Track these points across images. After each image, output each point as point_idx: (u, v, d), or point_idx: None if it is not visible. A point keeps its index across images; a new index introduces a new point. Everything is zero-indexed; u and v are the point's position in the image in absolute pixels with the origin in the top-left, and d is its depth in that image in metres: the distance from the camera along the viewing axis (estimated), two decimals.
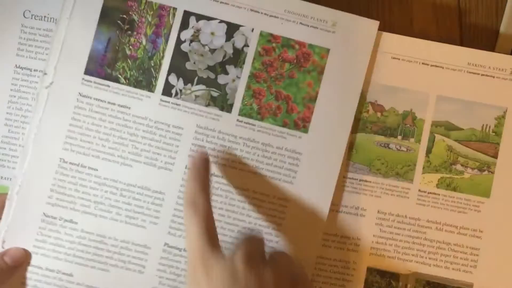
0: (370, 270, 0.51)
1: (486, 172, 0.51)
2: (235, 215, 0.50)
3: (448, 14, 0.54)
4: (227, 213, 0.50)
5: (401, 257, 0.51)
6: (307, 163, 0.50)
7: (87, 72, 0.50)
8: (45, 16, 0.52)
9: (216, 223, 0.45)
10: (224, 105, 0.50)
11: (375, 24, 0.50)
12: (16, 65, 0.52)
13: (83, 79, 0.50)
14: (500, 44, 0.53)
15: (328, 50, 0.50)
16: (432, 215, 0.51)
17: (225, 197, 0.50)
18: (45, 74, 0.50)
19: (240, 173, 0.50)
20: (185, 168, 0.50)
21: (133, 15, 0.51)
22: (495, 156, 0.51)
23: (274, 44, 0.51)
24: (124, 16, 0.51)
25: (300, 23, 0.50)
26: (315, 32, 0.50)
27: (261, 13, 0.50)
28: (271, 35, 0.51)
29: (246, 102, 0.51)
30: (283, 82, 0.51)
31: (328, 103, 0.50)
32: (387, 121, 0.52)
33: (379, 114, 0.52)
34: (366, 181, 0.51)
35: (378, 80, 0.51)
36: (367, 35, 0.50)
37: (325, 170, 0.50)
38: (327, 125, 0.50)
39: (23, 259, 0.49)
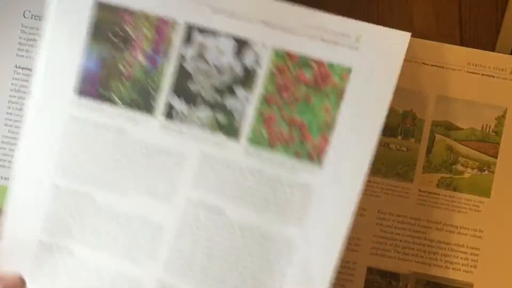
0: (370, 270, 0.51)
1: (486, 172, 0.51)
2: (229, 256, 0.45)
3: (448, 14, 0.54)
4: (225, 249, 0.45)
5: (401, 257, 0.51)
6: (320, 203, 0.44)
7: (78, 92, 0.45)
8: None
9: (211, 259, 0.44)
10: (231, 131, 0.44)
11: (405, 36, 0.43)
12: (16, 65, 0.52)
13: (73, 100, 0.45)
14: (500, 44, 0.53)
15: (349, 70, 0.43)
16: (432, 215, 0.51)
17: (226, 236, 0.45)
18: (32, 94, 0.45)
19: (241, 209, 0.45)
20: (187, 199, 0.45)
21: (128, 29, 0.45)
22: (495, 156, 0.51)
23: (288, 63, 0.44)
24: (117, 29, 0.45)
25: (319, 38, 0.43)
26: (336, 48, 0.43)
27: (274, 27, 0.44)
28: (285, 52, 0.44)
29: (255, 129, 0.44)
30: (297, 106, 0.44)
31: (347, 132, 0.43)
32: (387, 121, 0.52)
33: None
34: (366, 181, 0.51)
35: None
36: (396, 50, 0.43)
37: (335, 217, 0.44)
38: (345, 158, 0.44)
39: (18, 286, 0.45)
